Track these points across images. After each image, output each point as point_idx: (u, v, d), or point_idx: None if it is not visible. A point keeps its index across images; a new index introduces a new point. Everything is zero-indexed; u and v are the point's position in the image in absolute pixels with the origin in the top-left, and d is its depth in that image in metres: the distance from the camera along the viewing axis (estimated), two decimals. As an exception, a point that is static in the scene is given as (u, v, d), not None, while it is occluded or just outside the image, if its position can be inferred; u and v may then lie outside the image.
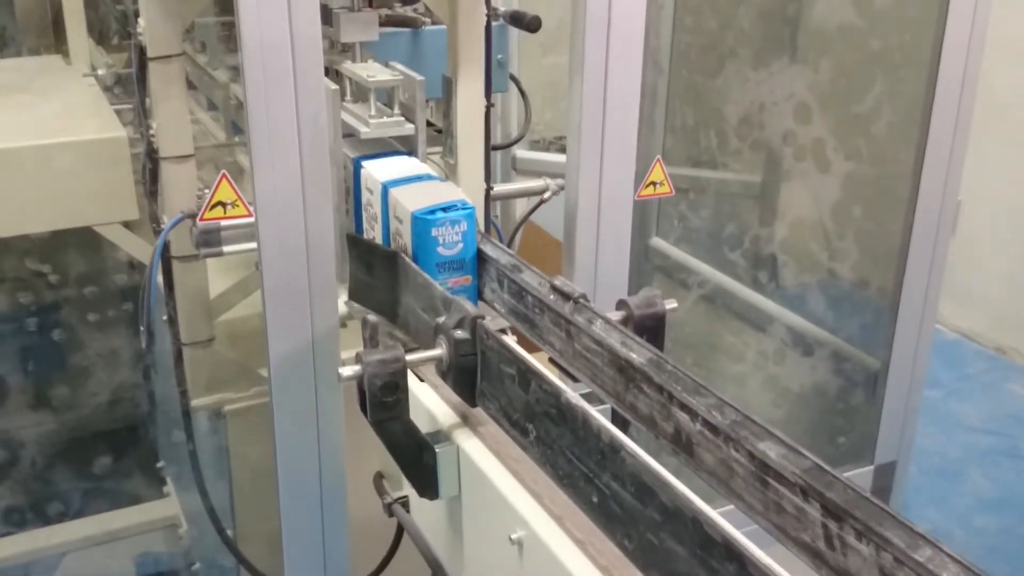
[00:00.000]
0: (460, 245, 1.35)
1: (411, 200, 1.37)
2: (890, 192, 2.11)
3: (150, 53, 1.66)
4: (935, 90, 1.83)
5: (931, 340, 2.09)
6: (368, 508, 1.51)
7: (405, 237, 1.37)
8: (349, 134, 1.57)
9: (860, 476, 2.13)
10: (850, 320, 2.31)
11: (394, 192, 1.41)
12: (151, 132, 1.74)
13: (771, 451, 0.86)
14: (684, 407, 0.95)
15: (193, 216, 1.46)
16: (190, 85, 2.23)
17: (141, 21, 1.67)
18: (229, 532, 2.00)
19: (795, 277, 2.46)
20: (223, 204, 1.37)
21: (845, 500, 0.78)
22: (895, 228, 2.00)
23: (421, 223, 1.33)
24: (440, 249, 1.34)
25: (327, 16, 1.55)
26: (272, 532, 1.48)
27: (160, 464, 2.84)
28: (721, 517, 0.83)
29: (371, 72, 1.54)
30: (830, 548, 0.79)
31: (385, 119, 1.53)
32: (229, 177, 1.34)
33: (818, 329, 2.36)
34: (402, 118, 1.54)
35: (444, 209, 1.34)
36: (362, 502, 1.51)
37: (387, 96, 1.59)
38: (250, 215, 1.33)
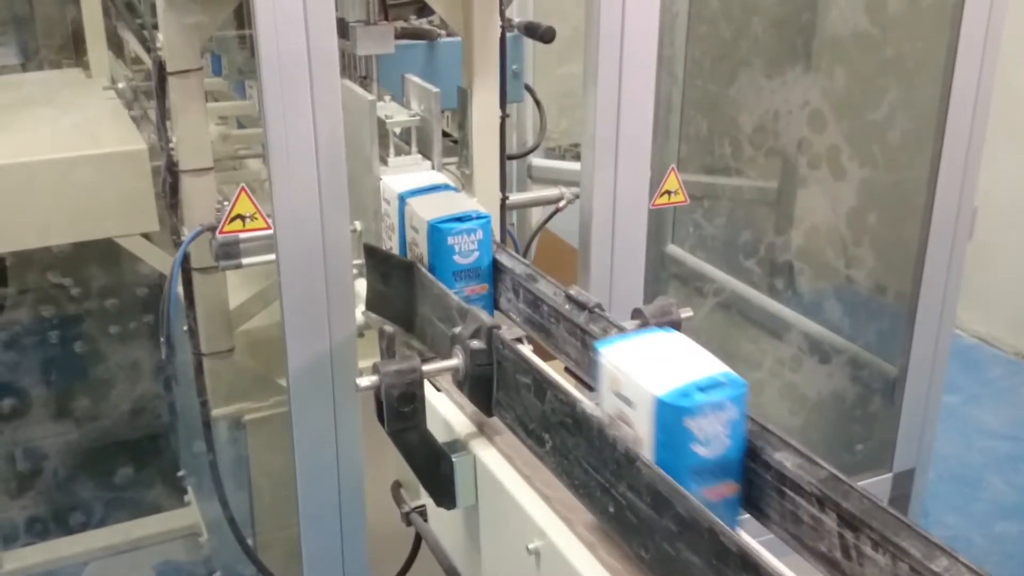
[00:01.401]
0: (476, 254, 1.36)
1: (427, 210, 1.38)
2: (906, 198, 2.10)
3: (169, 68, 1.68)
4: (950, 96, 1.83)
5: (949, 346, 2.08)
6: (386, 517, 1.52)
7: (421, 247, 1.38)
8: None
9: (879, 483, 2.13)
10: (867, 327, 2.30)
11: (411, 202, 1.42)
12: (171, 145, 1.76)
13: (787, 461, 0.86)
14: (700, 417, 0.95)
15: (212, 228, 1.47)
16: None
17: (160, 36, 1.69)
18: (249, 540, 2.01)
19: (811, 284, 2.46)
20: (242, 217, 1.38)
21: (861, 510, 0.79)
22: (911, 234, 1.99)
23: (437, 232, 1.34)
24: (456, 258, 1.35)
25: (343, 30, 1.57)
26: (291, 540, 1.49)
27: (181, 473, 2.86)
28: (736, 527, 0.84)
29: (389, 113, 1.57)
30: (846, 558, 0.80)
31: (404, 157, 1.56)
32: (248, 190, 1.36)
33: (835, 336, 2.36)
34: (419, 155, 1.58)
35: (459, 219, 1.35)
36: (380, 511, 1.52)
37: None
38: (269, 228, 1.35)
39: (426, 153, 1.58)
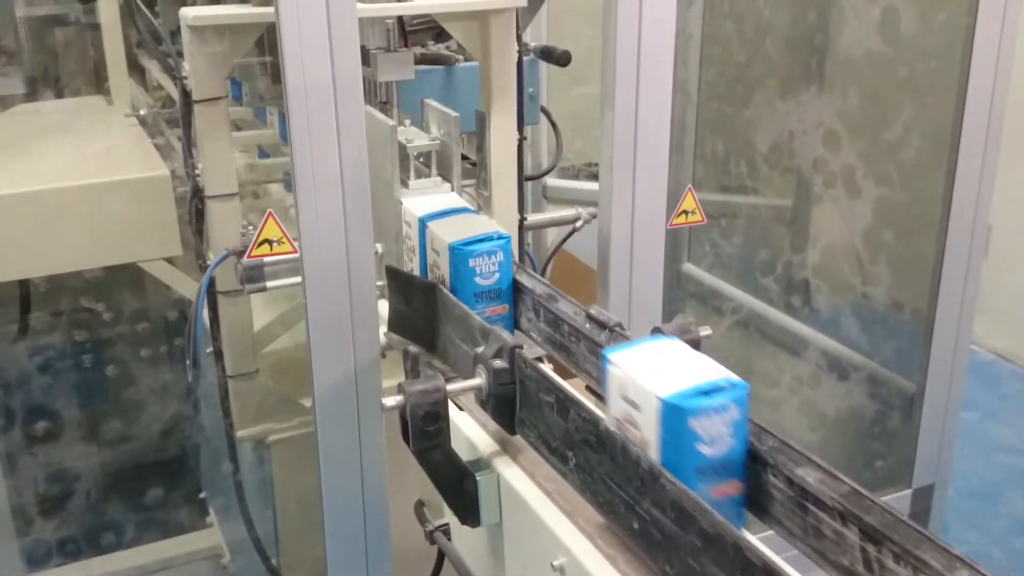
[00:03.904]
0: (496, 275, 1.38)
1: (448, 233, 1.40)
2: (921, 215, 2.11)
3: (195, 96, 1.70)
4: (963, 114, 1.84)
5: (966, 362, 2.08)
6: (409, 536, 1.53)
7: (443, 268, 1.41)
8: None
9: (898, 500, 2.13)
10: (885, 343, 2.31)
11: (431, 226, 1.45)
12: (197, 172, 1.79)
13: (809, 476, 0.88)
14: (722, 434, 0.97)
15: (239, 253, 1.49)
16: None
17: (186, 64, 1.72)
18: (272, 560, 2.03)
19: (828, 301, 2.46)
20: (269, 242, 1.40)
21: (883, 524, 0.80)
22: (927, 251, 2.00)
23: (458, 254, 1.37)
24: (477, 279, 1.37)
25: (364, 57, 1.60)
26: (316, 560, 1.51)
27: (203, 495, 2.88)
28: (761, 542, 0.85)
29: (410, 137, 1.60)
30: (869, 572, 0.81)
31: (424, 180, 1.59)
32: (275, 216, 1.38)
33: (853, 353, 2.37)
34: (439, 178, 1.60)
35: (480, 240, 1.37)
36: (403, 530, 1.53)
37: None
38: (295, 252, 1.37)
39: (446, 176, 1.61)
